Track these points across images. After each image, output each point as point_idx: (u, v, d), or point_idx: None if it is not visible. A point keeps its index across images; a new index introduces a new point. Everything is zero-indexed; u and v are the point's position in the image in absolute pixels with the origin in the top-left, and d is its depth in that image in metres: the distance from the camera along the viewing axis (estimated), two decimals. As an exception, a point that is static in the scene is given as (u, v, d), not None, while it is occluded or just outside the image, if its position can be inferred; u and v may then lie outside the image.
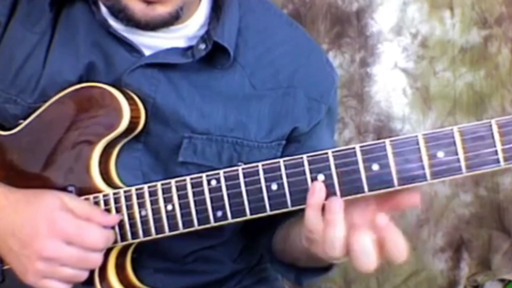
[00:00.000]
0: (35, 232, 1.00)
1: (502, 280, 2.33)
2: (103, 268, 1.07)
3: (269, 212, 0.98)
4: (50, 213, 1.01)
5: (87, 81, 1.11)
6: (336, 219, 0.89)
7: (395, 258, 0.88)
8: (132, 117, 1.07)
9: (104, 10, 1.11)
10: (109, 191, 1.07)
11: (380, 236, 0.88)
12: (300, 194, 0.95)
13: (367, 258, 0.88)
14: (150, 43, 1.12)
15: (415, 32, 2.31)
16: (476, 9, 2.32)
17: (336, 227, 0.89)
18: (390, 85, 2.32)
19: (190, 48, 1.12)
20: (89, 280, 1.06)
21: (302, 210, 1.00)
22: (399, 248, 0.88)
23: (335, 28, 2.28)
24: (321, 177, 0.94)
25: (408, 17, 2.30)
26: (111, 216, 1.05)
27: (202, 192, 1.01)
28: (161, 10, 1.03)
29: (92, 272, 1.06)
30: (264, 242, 1.24)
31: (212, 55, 1.12)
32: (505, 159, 0.86)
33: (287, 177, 0.96)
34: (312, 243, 0.94)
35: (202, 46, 1.11)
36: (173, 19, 1.06)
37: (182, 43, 1.14)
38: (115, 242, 1.06)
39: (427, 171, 0.89)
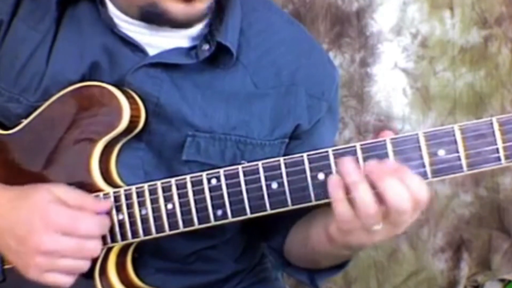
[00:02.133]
0: (30, 227, 1.00)
1: (502, 280, 2.34)
2: (103, 267, 1.07)
3: (269, 211, 0.98)
4: (42, 207, 1.01)
5: (89, 80, 1.11)
6: (356, 179, 0.88)
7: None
8: (132, 116, 1.07)
9: (110, 9, 1.11)
10: (109, 190, 1.07)
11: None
12: (300, 193, 0.96)
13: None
14: (154, 42, 1.12)
15: (415, 32, 2.31)
16: (476, 9, 2.33)
17: (359, 187, 0.87)
18: (390, 85, 2.33)
19: (193, 48, 1.12)
20: (90, 279, 1.06)
21: (305, 211, 1.00)
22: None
23: (335, 28, 2.28)
24: (321, 175, 0.94)
25: (408, 17, 2.30)
26: (103, 202, 1.05)
27: (202, 191, 1.01)
28: (200, 6, 1.05)
29: (93, 271, 1.06)
30: (274, 246, 1.23)
31: (215, 55, 1.12)
32: (506, 157, 0.86)
33: (287, 175, 0.96)
34: (349, 233, 0.93)
35: (206, 46, 1.11)
36: (207, 14, 1.08)
37: (185, 43, 1.14)
38: (115, 241, 1.06)
39: (428, 169, 0.89)
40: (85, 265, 1.03)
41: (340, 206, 0.89)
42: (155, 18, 1.06)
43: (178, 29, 1.10)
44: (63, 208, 1.01)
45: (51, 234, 0.99)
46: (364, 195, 0.87)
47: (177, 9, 1.03)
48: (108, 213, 1.05)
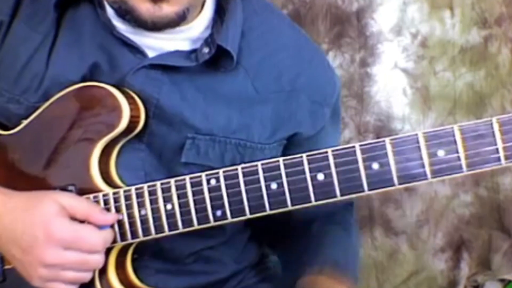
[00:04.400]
0: (34, 239, 1.00)
1: (502, 280, 2.33)
2: (103, 268, 1.07)
3: (268, 211, 0.98)
4: (46, 220, 1.01)
5: (90, 81, 1.11)
6: None
7: None
8: (132, 117, 1.07)
9: (109, 11, 1.11)
10: (108, 190, 1.07)
11: None
12: (300, 193, 0.96)
13: None
14: (154, 44, 1.12)
15: (415, 32, 2.30)
16: (476, 9, 2.32)
17: None
18: (390, 85, 2.32)
19: (194, 51, 1.12)
20: (90, 280, 1.06)
21: None
22: None
23: (335, 28, 2.27)
24: (320, 176, 0.94)
25: (408, 17, 2.30)
26: (110, 215, 1.05)
27: (202, 191, 1.01)
28: (168, 10, 1.03)
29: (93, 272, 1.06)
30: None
31: (215, 58, 1.12)
32: (506, 158, 0.86)
33: (287, 176, 0.96)
34: None
35: (206, 49, 1.11)
36: (179, 20, 1.06)
37: (186, 46, 1.14)
38: (115, 241, 1.06)
39: (428, 170, 0.89)
40: (87, 276, 1.05)
41: None
42: (125, 15, 1.05)
43: (176, 32, 1.10)
44: (67, 222, 1.01)
45: (54, 248, 1.00)
46: None
47: (144, 8, 1.03)
48: (112, 226, 1.05)
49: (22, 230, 1.02)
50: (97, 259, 1.04)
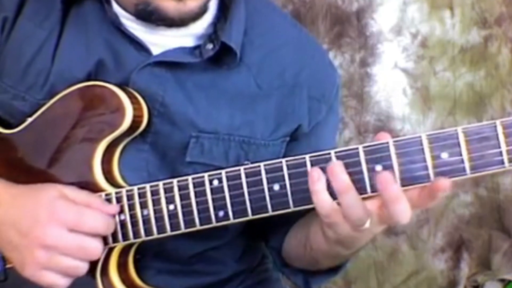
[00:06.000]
0: (35, 221, 1.00)
1: (502, 280, 2.33)
2: (105, 268, 1.07)
3: (271, 213, 0.98)
4: (49, 202, 1.01)
5: (95, 78, 1.11)
6: (343, 186, 0.88)
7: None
8: (135, 116, 1.07)
9: (115, 7, 1.11)
10: (111, 190, 1.07)
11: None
12: (302, 195, 0.95)
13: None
14: (159, 41, 1.12)
15: (415, 32, 2.31)
16: (476, 9, 2.32)
17: (349, 191, 0.88)
18: (390, 85, 2.32)
19: (197, 47, 1.12)
20: (92, 279, 1.06)
21: (306, 211, 1.00)
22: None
23: (335, 28, 2.28)
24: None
25: (408, 17, 2.30)
26: (111, 206, 1.05)
27: (204, 192, 1.01)
28: (192, 5, 1.05)
29: (94, 272, 1.06)
30: (274, 245, 1.23)
31: (218, 55, 1.12)
32: (510, 160, 0.85)
33: (289, 177, 0.95)
34: (333, 226, 0.92)
35: (210, 46, 1.11)
36: (202, 13, 1.08)
37: (189, 42, 1.14)
38: (117, 241, 1.06)
39: (431, 172, 0.88)
40: (83, 267, 1.03)
41: (316, 198, 0.90)
42: (149, 16, 1.06)
43: (175, 28, 1.10)
44: (69, 204, 1.01)
45: (55, 229, 0.99)
46: (351, 202, 0.88)
47: (169, 6, 1.04)
48: (114, 215, 1.05)
49: (22, 213, 1.01)
50: (96, 246, 1.02)
